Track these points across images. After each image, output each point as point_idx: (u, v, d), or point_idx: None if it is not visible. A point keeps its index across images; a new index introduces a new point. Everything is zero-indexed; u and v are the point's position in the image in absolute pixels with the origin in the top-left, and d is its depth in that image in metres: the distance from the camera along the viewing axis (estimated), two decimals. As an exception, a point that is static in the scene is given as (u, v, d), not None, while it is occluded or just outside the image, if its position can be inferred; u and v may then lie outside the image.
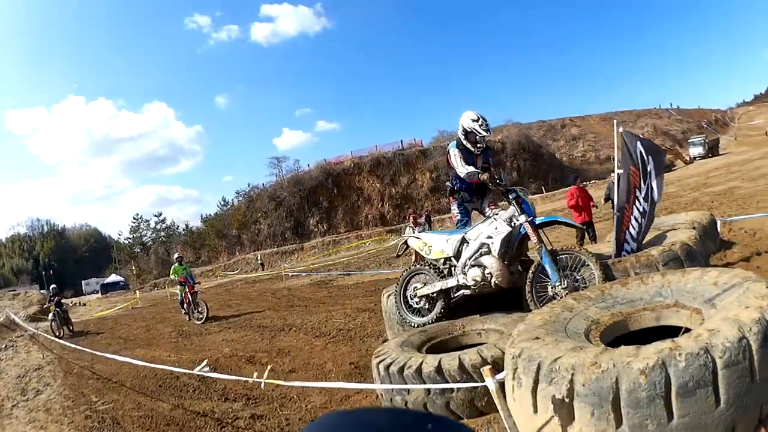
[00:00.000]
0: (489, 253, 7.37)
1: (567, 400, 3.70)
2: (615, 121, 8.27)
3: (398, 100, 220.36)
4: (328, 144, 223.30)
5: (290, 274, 31.95)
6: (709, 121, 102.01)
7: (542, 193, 65.89)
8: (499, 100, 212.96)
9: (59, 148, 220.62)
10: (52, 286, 24.12)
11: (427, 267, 8.06)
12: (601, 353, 3.82)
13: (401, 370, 5.87)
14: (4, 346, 20.46)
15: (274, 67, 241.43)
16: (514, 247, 7.51)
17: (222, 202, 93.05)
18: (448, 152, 8.17)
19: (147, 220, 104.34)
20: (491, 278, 7.22)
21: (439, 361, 5.68)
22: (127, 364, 11.43)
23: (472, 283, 7.39)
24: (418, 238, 8.37)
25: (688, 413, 3.38)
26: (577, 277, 6.85)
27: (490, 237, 7.43)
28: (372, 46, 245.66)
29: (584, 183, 10.86)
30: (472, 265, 7.45)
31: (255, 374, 7.00)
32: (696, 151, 61.81)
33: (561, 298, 6.42)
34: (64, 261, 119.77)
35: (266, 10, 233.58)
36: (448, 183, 8.51)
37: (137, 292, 49.88)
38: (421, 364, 5.77)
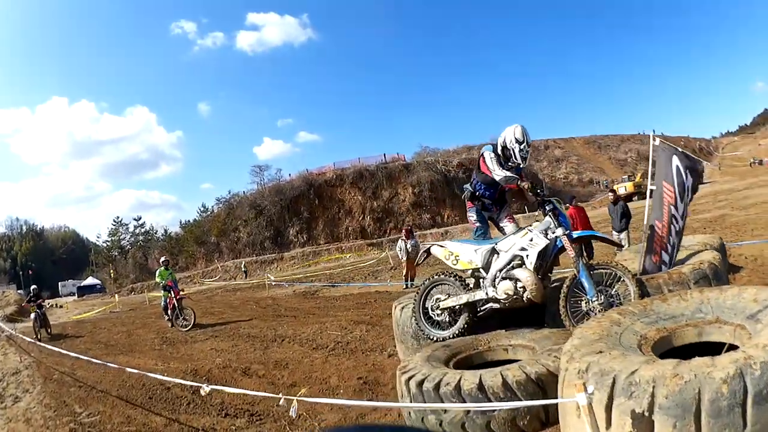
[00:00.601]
0: (522, 265, 6.93)
1: (647, 413, 3.52)
2: (651, 134, 7.75)
3: (381, 114, 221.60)
4: (309, 155, 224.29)
5: (273, 283, 31.25)
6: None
7: (525, 213, 65.83)
8: (481, 119, 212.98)
9: (41, 149, 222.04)
10: (33, 286, 23.51)
11: (450, 277, 7.56)
12: (678, 365, 3.67)
13: (437, 387, 5.40)
14: None
15: (258, 76, 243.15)
16: (549, 261, 7.09)
17: (202, 209, 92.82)
18: (482, 154, 7.67)
19: (126, 224, 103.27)
20: (524, 292, 6.79)
21: (480, 378, 5.25)
22: (111, 370, 10.81)
23: (504, 296, 6.92)
24: (442, 246, 7.81)
25: (759, 421, 3.29)
26: (612, 293, 6.49)
27: (524, 249, 7.00)
28: (357, 59, 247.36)
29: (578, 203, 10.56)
30: (504, 278, 6.97)
31: (280, 395, 5.81)
32: None
33: (595, 313, 6.19)
34: (41, 262, 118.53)
35: (253, 18, 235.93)
36: (467, 187, 8.08)
37: (116, 295, 49.19)
38: (460, 380, 5.32)
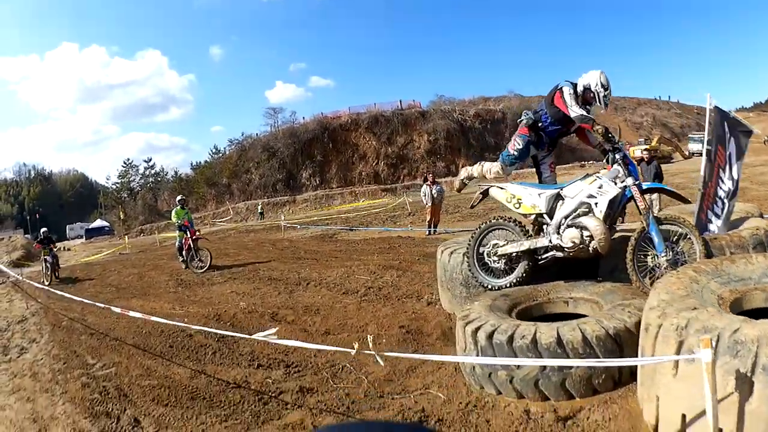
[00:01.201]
0: (590, 213, 6.46)
1: (749, 374, 3.43)
2: (708, 95, 7.18)
3: (395, 61, 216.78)
4: (322, 100, 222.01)
5: (286, 225, 30.66)
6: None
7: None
8: (499, 69, 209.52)
9: (50, 95, 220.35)
10: (43, 229, 22.60)
11: (509, 222, 7.06)
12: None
13: (510, 340, 4.98)
14: None
15: (271, 19, 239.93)
16: (616, 212, 6.63)
17: (213, 150, 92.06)
18: (560, 89, 7.06)
19: (136, 166, 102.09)
20: (591, 242, 6.33)
21: (557, 331, 4.84)
22: (124, 316, 10.02)
23: (570, 245, 6.44)
24: (503, 188, 7.22)
25: None
26: (678, 250, 6.10)
27: (592, 196, 6.50)
28: (371, 3, 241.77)
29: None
30: (569, 225, 6.51)
31: (356, 345, 5.25)
32: (695, 147, 61.26)
33: (661, 270, 5.94)
34: (49, 206, 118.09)
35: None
36: (528, 113, 7.44)
37: (125, 237, 48.84)
38: (536, 333, 4.90)
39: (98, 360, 8.59)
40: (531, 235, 6.84)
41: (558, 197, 6.74)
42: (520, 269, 6.77)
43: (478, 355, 5.18)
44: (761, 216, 8.59)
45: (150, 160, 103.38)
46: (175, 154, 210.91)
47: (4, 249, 47.14)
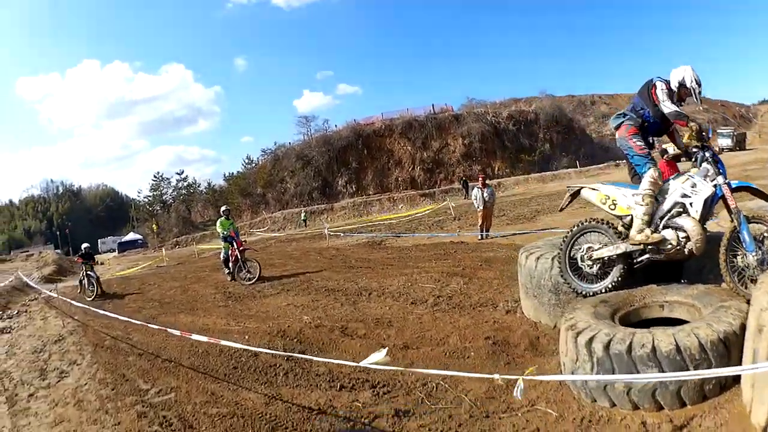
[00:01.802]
0: (685, 213, 6.29)
1: None
2: None
3: (422, 66, 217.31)
4: (350, 107, 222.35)
5: (329, 233, 30.19)
6: (733, 114, 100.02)
7: (576, 167, 65.32)
8: (529, 70, 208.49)
9: (73, 112, 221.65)
10: (85, 245, 22.15)
11: (602, 224, 6.84)
12: None
13: (629, 349, 4.76)
14: (15, 312, 18.97)
15: (295, 29, 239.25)
16: (710, 211, 6.42)
17: (246, 161, 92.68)
18: (653, 84, 6.81)
19: (168, 178, 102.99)
20: (687, 243, 6.15)
21: (674, 338, 4.68)
22: (172, 335, 9.45)
23: (667, 247, 6.26)
24: (595, 189, 7.01)
25: None
26: (764, 249, 5.87)
27: (686, 196, 6.33)
28: (395, 8, 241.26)
29: (669, 155, 9.13)
30: (665, 227, 6.35)
31: (498, 375, 4.44)
32: (724, 142, 61.73)
33: (750, 269, 5.77)
34: (79, 221, 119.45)
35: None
36: (630, 113, 7.07)
37: (162, 249, 48.88)
38: (654, 341, 4.72)
39: (152, 385, 7.95)
40: (625, 238, 6.61)
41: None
42: (615, 273, 6.56)
43: (593, 368, 4.96)
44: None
45: (182, 172, 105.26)
46: (205, 166, 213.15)
47: (35, 264, 47.08)
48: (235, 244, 17.39)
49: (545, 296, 7.38)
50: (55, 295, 19.76)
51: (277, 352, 7.67)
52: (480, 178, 20.38)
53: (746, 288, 5.59)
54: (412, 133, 74.95)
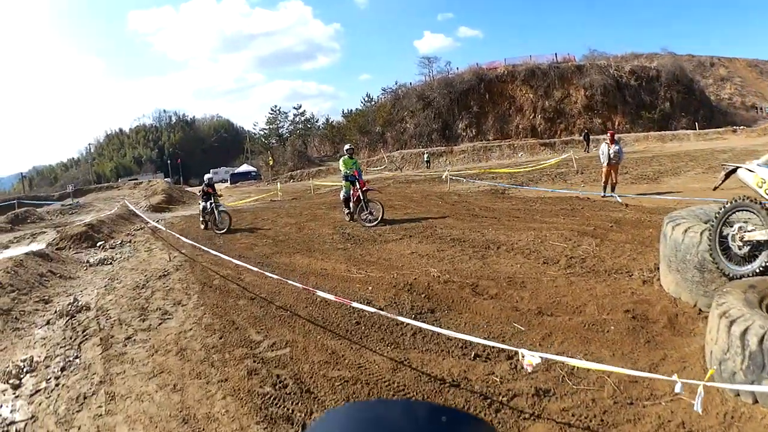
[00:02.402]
0: None
1: None
2: None
3: (544, 13, 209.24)
4: (471, 51, 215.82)
5: (451, 177, 29.61)
6: None
7: (695, 129, 62.87)
8: (650, 24, 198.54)
9: (187, 45, 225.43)
10: (208, 175, 21.52)
11: (756, 204, 6.52)
12: None
13: None
14: (119, 241, 18.80)
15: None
16: None
17: (366, 98, 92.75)
18: None
19: (285, 112, 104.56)
20: None
21: None
22: (293, 276, 9.10)
23: None
24: (752, 171, 6.77)
25: None
26: None
27: None
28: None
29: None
30: None
31: (678, 379, 4.12)
32: None
33: None
34: (191, 151, 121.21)
35: None
36: None
37: (277, 183, 49.02)
38: None
39: (265, 336, 7.43)
40: None
41: None
42: (764, 258, 6.29)
43: (743, 361, 4.75)
44: None
45: (300, 107, 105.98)
46: (323, 101, 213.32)
47: (143, 193, 46.81)
48: (357, 183, 17.05)
49: (689, 272, 7.13)
50: (163, 228, 19.55)
51: (411, 321, 6.86)
52: (609, 134, 19.78)
53: None
54: (534, 80, 73.29)
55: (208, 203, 19.28)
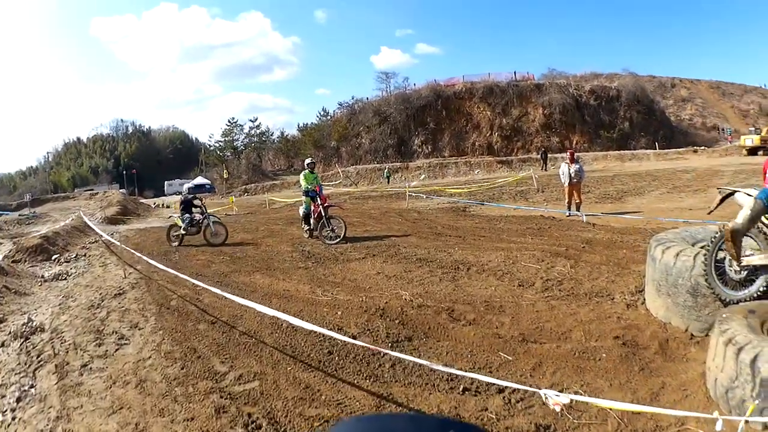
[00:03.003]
0: None
1: None
2: None
3: (503, 33, 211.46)
4: (428, 67, 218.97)
5: (409, 194, 29.48)
6: None
7: (655, 149, 64.17)
8: (612, 46, 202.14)
9: (148, 54, 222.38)
10: (187, 184, 21.28)
11: (754, 228, 6.28)
12: None
13: None
14: (74, 255, 18.39)
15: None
16: None
17: (322, 113, 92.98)
18: None
19: (241, 125, 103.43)
20: None
21: None
22: (253, 299, 8.46)
23: None
24: (750, 195, 6.49)
25: None
26: None
27: None
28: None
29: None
30: None
31: (716, 413, 3.78)
32: None
33: None
34: (147, 162, 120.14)
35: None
36: None
37: (232, 197, 48.77)
38: None
39: (230, 367, 6.81)
40: None
41: None
42: (761, 282, 6.06)
43: (754, 389, 4.47)
44: None
45: (256, 119, 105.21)
46: (278, 114, 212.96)
47: (98, 204, 46.25)
48: (318, 199, 16.50)
49: (681, 297, 6.85)
50: (118, 243, 19.00)
51: (393, 353, 6.22)
52: (569, 153, 19.87)
53: None
54: (492, 98, 74.30)
55: (197, 216, 18.27)
